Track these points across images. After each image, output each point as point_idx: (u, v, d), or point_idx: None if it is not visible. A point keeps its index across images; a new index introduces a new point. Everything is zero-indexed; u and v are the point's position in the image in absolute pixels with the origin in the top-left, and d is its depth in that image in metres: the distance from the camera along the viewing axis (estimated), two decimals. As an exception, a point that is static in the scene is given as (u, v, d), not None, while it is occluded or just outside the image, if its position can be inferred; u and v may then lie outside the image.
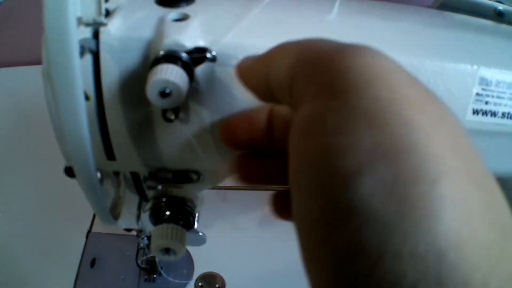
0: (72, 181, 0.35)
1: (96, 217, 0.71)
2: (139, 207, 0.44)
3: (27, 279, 0.65)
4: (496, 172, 0.43)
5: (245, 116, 0.34)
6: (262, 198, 0.69)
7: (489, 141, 0.40)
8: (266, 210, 0.74)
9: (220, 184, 0.41)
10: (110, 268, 0.65)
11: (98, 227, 0.70)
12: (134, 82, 0.34)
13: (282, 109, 0.32)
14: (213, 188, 0.60)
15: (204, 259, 0.65)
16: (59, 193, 0.74)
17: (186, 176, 0.40)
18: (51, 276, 0.65)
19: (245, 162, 0.34)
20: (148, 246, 0.59)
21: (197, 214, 0.47)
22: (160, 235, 0.39)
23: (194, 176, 0.40)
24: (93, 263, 0.65)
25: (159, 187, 0.40)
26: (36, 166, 0.80)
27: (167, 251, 0.40)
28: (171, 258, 0.41)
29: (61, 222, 0.72)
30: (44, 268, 0.66)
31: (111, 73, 0.34)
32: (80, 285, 0.63)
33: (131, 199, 0.44)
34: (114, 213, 0.41)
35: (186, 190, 0.42)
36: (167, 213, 0.41)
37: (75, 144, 0.30)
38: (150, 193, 0.43)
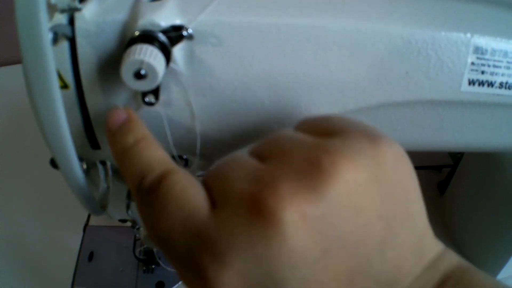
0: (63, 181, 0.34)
1: None
2: (128, 196, 0.42)
3: (25, 275, 0.64)
4: (493, 145, 0.43)
5: None
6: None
7: (486, 113, 0.39)
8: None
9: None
10: (108, 260, 0.64)
11: (95, 221, 0.70)
12: (112, 66, 0.32)
13: None
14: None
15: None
16: (55, 188, 0.73)
17: None
18: (49, 271, 0.65)
19: None
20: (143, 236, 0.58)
21: None
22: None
23: (181, 162, 0.39)
24: (91, 256, 0.65)
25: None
26: (29, 162, 0.79)
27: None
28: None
29: (58, 217, 0.72)
30: (42, 263, 0.66)
31: (88, 59, 0.33)
32: (78, 279, 0.62)
33: (120, 188, 0.43)
34: (102, 203, 0.40)
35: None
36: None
37: (53, 134, 0.29)
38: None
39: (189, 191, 0.26)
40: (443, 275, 0.27)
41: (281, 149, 0.26)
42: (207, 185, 0.27)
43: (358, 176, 0.24)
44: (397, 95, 0.35)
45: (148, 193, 0.27)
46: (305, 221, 0.22)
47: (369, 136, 0.26)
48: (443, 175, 0.79)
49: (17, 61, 1.01)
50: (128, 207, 0.43)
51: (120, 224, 0.66)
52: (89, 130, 0.36)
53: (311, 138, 0.26)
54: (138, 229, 0.55)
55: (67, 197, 0.69)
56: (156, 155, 0.29)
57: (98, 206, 0.39)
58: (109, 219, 0.51)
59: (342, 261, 0.24)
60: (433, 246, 0.29)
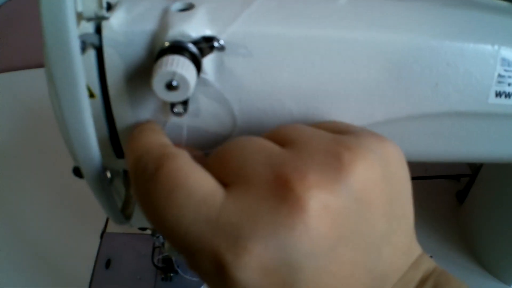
0: (83, 182, 0.34)
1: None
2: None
3: (42, 281, 0.64)
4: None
5: None
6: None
7: (512, 124, 0.38)
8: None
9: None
10: (126, 268, 0.64)
11: (113, 228, 0.70)
12: (140, 76, 0.32)
13: None
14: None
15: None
16: (72, 194, 0.74)
17: None
18: (66, 278, 0.65)
19: None
20: (163, 244, 0.58)
21: None
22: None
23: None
24: (108, 264, 0.65)
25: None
26: (47, 168, 0.80)
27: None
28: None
29: (75, 223, 0.72)
30: (59, 270, 0.66)
31: (116, 69, 0.32)
32: (95, 287, 0.62)
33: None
34: (126, 213, 0.40)
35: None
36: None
37: (80, 144, 0.29)
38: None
39: (197, 175, 0.25)
40: (422, 276, 0.29)
41: (302, 138, 0.26)
42: (213, 167, 0.26)
43: (373, 173, 0.25)
44: (425, 107, 0.35)
45: (149, 178, 0.25)
46: (327, 212, 0.23)
47: (378, 136, 0.27)
48: (461, 185, 0.79)
49: (28, 66, 1.01)
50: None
51: (138, 231, 0.65)
52: (114, 139, 0.36)
53: (328, 133, 0.27)
54: (158, 237, 0.55)
55: (85, 203, 0.71)
56: (157, 139, 0.29)
57: (122, 215, 0.39)
58: (129, 226, 0.51)
59: (348, 253, 0.24)
60: (417, 247, 0.30)
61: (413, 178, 0.80)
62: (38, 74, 0.91)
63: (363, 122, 0.35)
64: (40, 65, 0.97)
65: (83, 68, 0.27)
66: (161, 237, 0.54)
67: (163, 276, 0.63)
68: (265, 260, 0.22)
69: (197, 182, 0.25)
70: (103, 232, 0.69)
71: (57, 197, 0.76)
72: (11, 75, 1.01)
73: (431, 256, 0.67)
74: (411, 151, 0.39)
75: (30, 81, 0.96)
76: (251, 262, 0.22)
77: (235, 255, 0.22)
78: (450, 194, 0.78)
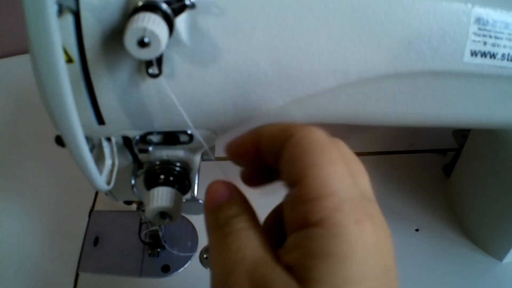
0: (70, 164, 0.34)
1: (98, 195, 0.72)
2: (134, 174, 0.42)
3: (31, 260, 0.65)
4: (497, 120, 0.43)
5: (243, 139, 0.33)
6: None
7: (490, 85, 0.39)
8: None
9: (222, 155, 0.40)
10: (114, 245, 0.65)
11: (101, 206, 0.70)
12: (117, 39, 0.32)
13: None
14: (214, 159, 0.59)
15: (207, 231, 0.65)
16: (58, 176, 0.75)
17: (175, 138, 0.39)
18: (55, 257, 0.65)
19: (246, 176, 0.36)
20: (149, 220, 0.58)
21: (196, 179, 0.46)
22: (153, 198, 0.38)
23: (185, 137, 0.39)
24: (96, 241, 0.65)
25: (150, 149, 0.39)
26: (35, 150, 0.80)
27: (162, 215, 0.39)
28: (166, 222, 0.40)
29: (63, 203, 0.72)
30: (48, 249, 0.66)
31: (93, 32, 0.33)
32: (84, 264, 0.63)
33: (125, 167, 0.43)
34: (108, 180, 0.40)
35: (181, 153, 0.41)
36: (161, 177, 0.40)
37: (60, 110, 0.29)
38: (144, 158, 0.41)
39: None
40: None
41: None
42: None
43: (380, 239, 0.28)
44: (399, 66, 0.35)
45: None
46: None
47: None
48: (448, 158, 0.79)
49: (21, 51, 1.01)
50: (133, 185, 0.43)
51: (126, 208, 0.66)
52: (95, 105, 0.36)
53: None
54: (143, 211, 0.56)
55: (71, 184, 0.71)
56: (246, 252, 0.29)
57: (105, 182, 0.39)
58: (114, 201, 0.51)
59: None
60: None
61: (399, 152, 0.81)
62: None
63: (338, 81, 0.35)
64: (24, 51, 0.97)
65: (59, 32, 0.27)
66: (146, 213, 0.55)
67: (150, 251, 0.63)
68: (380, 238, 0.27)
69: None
70: (91, 210, 0.69)
71: (44, 179, 0.76)
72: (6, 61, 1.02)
73: (417, 230, 0.67)
74: (388, 113, 0.39)
75: (17, 67, 0.95)
76: (378, 233, 0.27)
77: (376, 219, 0.28)
78: (437, 168, 0.79)
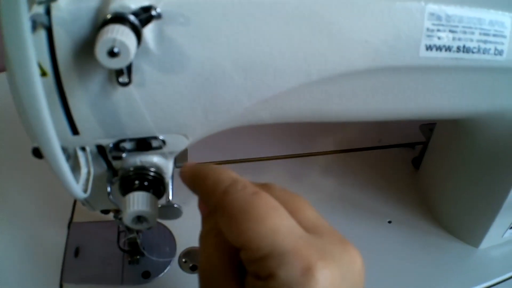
0: (47, 178, 0.34)
1: (76, 207, 0.71)
2: (109, 182, 0.43)
3: (13, 276, 0.64)
4: (458, 110, 0.45)
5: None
6: (240, 171, 0.69)
7: (447, 77, 0.41)
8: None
9: (197, 160, 0.42)
10: (94, 255, 0.64)
11: (79, 217, 0.70)
12: (88, 50, 0.34)
13: None
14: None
15: (185, 235, 0.65)
16: (35, 189, 0.74)
17: (148, 144, 0.40)
18: (37, 270, 0.64)
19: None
20: (127, 228, 0.59)
21: (170, 184, 0.47)
22: (129, 203, 0.39)
23: (157, 143, 0.40)
24: (77, 252, 0.65)
25: (124, 155, 0.40)
26: (13, 162, 0.80)
27: (139, 220, 0.40)
28: (144, 227, 0.41)
29: (41, 216, 0.71)
30: (29, 263, 0.65)
31: (65, 46, 0.34)
32: (66, 275, 0.62)
33: (100, 177, 0.44)
34: (84, 188, 0.41)
35: (154, 159, 0.42)
36: (136, 182, 0.41)
37: (37, 121, 0.30)
38: (118, 165, 0.43)
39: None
40: None
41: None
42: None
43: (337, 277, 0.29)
44: (358, 64, 0.37)
45: (253, 192, 0.31)
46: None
47: (343, 242, 0.31)
48: (416, 152, 0.81)
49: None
50: (109, 193, 0.44)
51: (104, 218, 0.65)
52: (69, 116, 0.37)
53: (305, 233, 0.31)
54: (120, 219, 0.56)
55: (49, 197, 0.72)
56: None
57: (81, 190, 0.40)
58: (91, 210, 0.51)
59: None
60: None
61: (368, 149, 0.83)
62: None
63: (300, 80, 0.37)
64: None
65: (34, 47, 0.28)
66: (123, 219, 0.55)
67: (130, 259, 0.63)
68: (335, 276, 0.28)
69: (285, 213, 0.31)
70: (70, 221, 0.69)
71: (23, 192, 0.75)
72: None
73: (389, 222, 0.69)
74: (350, 109, 0.41)
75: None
76: (332, 272, 0.28)
77: (323, 264, 0.28)
78: (406, 161, 0.80)
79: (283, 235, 0.29)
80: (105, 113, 0.37)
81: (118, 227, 0.65)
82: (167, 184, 0.44)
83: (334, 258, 0.29)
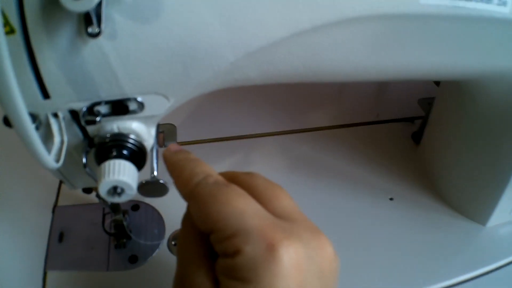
0: (31, 161, 0.35)
1: (61, 190, 0.69)
2: (85, 152, 0.40)
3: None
4: (459, 66, 0.41)
5: None
6: (231, 149, 0.67)
7: (448, 28, 0.38)
8: (232, 160, 0.73)
9: (185, 140, 0.39)
10: (79, 239, 0.62)
11: (64, 201, 0.68)
12: (55, 4, 0.30)
13: None
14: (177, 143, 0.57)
15: (175, 216, 0.62)
16: (18, 173, 0.72)
17: (124, 106, 0.37)
18: (20, 258, 0.62)
19: None
20: (112, 207, 0.56)
21: (154, 157, 0.44)
22: (104, 172, 0.36)
23: (134, 105, 0.37)
24: (61, 237, 0.62)
25: (98, 119, 0.37)
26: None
27: (115, 191, 0.37)
28: (122, 199, 0.37)
29: (25, 200, 0.69)
30: (12, 250, 0.63)
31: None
32: (51, 262, 0.60)
33: (79, 149, 0.41)
34: (57, 158, 0.38)
35: (133, 125, 0.39)
36: (113, 151, 0.38)
37: (2, 86, 0.28)
38: (95, 132, 0.39)
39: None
40: None
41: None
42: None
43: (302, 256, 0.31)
44: (354, 10, 0.34)
45: (224, 184, 0.34)
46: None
47: (314, 230, 0.33)
48: (416, 126, 0.79)
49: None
50: (85, 164, 0.40)
51: (90, 201, 0.65)
52: (38, 78, 0.34)
53: (274, 218, 0.33)
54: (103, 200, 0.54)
55: (33, 179, 0.69)
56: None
57: (54, 160, 0.37)
58: (71, 189, 0.49)
59: None
60: None
61: (365, 124, 0.82)
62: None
63: (290, 30, 0.34)
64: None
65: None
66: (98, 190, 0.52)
67: (116, 243, 0.61)
68: (300, 255, 0.30)
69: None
70: (55, 206, 0.67)
71: (6, 176, 0.73)
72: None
73: (391, 199, 0.66)
74: (345, 64, 0.38)
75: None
76: (297, 250, 0.30)
77: (288, 242, 0.30)
78: (406, 136, 0.78)
79: (248, 215, 0.31)
80: (76, 72, 0.34)
81: (103, 209, 0.62)
82: (150, 155, 0.41)
83: (301, 240, 0.31)
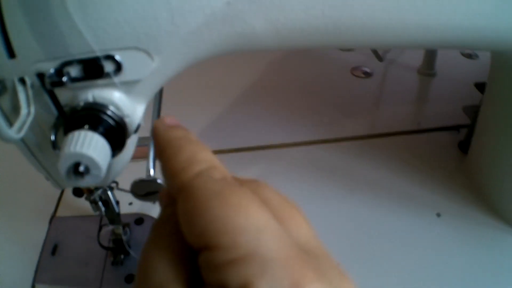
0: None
1: (62, 200, 0.65)
2: (55, 127, 0.34)
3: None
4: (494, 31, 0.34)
5: None
6: (252, 160, 0.62)
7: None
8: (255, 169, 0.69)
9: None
10: (72, 254, 0.57)
11: (64, 211, 0.64)
12: None
13: None
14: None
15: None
16: (19, 180, 0.70)
17: (98, 67, 0.31)
18: (10, 269, 0.58)
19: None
20: (107, 216, 0.52)
21: (151, 155, 0.38)
22: (68, 142, 0.29)
23: (110, 66, 0.31)
24: (54, 250, 0.57)
25: (65, 79, 0.31)
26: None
27: (78, 170, 0.29)
28: (86, 182, 0.30)
29: (23, 209, 0.66)
30: (3, 261, 0.59)
31: None
32: (40, 275, 0.55)
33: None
34: (18, 130, 0.32)
35: (114, 95, 0.33)
36: (85, 124, 0.31)
37: None
38: (68, 101, 0.33)
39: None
40: None
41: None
42: None
43: None
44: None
45: (225, 184, 0.24)
46: None
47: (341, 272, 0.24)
48: (462, 135, 0.75)
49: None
50: (53, 143, 0.34)
51: (88, 213, 0.59)
52: (4, 34, 0.31)
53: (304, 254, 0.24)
54: (95, 202, 0.48)
55: (34, 188, 0.66)
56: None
57: (16, 132, 0.31)
58: (58, 188, 0.44)
59: None
60: None
61: (405, 133, 0.77)
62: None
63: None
64: None
65: None
66: (96, 195, 0.46)
67: (113, 259, 0.55)
68: None
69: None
70: (53, 216, 0.62)
71: (6, 184, 0.70)
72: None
73: (438, 215, 0.62)
74: (369, 21, 0.31)
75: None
76: None
77: (319, 285, 0.21)
78: (452, 145, 0.74)
79: (271, 236, 0.22)
80: (42, 22, 0.30)
81: (100, 220, 0.56)
82: (131, 134, 0.34)
83: (331, 283, 0.22)
